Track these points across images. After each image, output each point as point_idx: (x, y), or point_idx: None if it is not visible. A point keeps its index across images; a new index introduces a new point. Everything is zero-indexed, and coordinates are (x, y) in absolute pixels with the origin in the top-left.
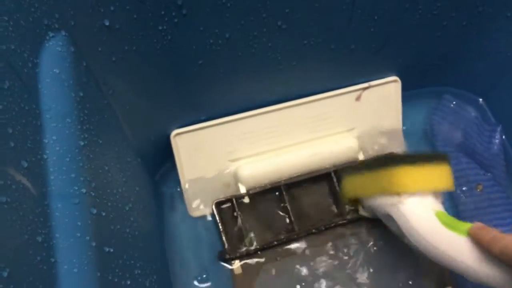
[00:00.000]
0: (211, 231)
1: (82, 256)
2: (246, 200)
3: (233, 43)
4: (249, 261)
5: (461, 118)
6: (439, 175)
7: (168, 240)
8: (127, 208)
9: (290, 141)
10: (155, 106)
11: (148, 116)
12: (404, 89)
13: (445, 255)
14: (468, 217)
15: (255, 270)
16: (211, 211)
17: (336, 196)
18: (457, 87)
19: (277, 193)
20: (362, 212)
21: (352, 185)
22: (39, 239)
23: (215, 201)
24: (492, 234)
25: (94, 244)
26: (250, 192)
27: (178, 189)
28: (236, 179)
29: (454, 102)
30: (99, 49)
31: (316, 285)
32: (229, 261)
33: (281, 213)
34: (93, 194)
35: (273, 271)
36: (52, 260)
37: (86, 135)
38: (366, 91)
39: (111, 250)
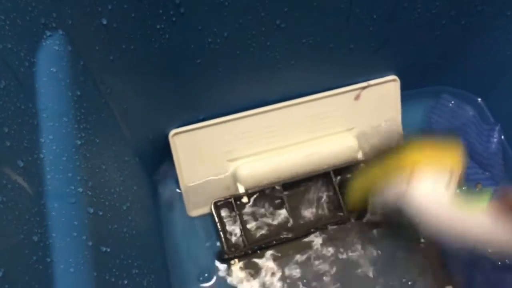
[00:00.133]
0: (210, 231)
1: (78, 256)
2: (245, 199)
3: (232, 42)
4: (248, 260)
5: (460, 117)
6: (451, 155)
7: (166, 239)
8: (125, 208)
9: (289, 141)
10: (153, 105)
11: (146, 115)
12: (403, 88)
13: (465, 232)
14: None
15: (254, 269)
16: (209, 210)
17: (335, 195)
18: (455, 86)
19: (276, 193)
20: (369, 217)
21: (361, 184)
22: (35, 238)
23: (213, 201)
24: None
25: (90, 243)
26: (249, 191)
27: (177, 189)
28: (234, 179)
29: (452, 102)
30: (97, 48)
31: (315, 284)
32: (228, 261)
33: (280, 212)
34: (90, 193)
35: (272, 271)
36: (48, 259)
37: (83, 134)
38: (365, 91)
39: (108, 250)
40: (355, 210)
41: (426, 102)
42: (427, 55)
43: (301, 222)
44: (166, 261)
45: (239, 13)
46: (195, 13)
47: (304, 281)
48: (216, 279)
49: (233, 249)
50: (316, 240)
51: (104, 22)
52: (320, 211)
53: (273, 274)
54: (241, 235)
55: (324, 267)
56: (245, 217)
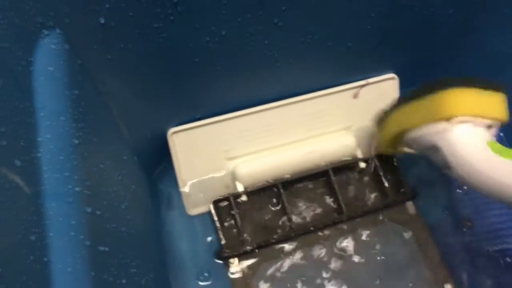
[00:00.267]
0: (209, 230)
1: (76, 255)
2: (244, 198)
3: (230, 41)
4: (247, 259)
5: None
6: (493, 103)
7: (165, 238)
8: (123, 207)
9: (287, 139)
10: (152, 104)
11: (145, 114)
12: (402, 86)
13: (497, 182)
14: (467, 215)
15: (253, 268)
16: (208, 209)
17: (334, 193)
18: None
19: (274, 191)
20: (405, 149)
21: (396, 119)
22: (33, 238)
23: (212, 200)
24: None
25: (88, 243)
26: (248, 190)
27: (175, 188)
28: (233, 177)
29: None
30: (95, 47)
31: (315, 283)
32: (227, 259)
33: (279, 211)
34: (87, 192)
35: (272, 269)
36: (46, 259)
37: (80, 134)
38: (364, 89)
39: (106, 249)
40: (385, 152)
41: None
42: (425, 53)
43: (300, 220)
44: (165, 260)
45: (237, 11)
46: (193, 11)
47: (303, 279)
48: (215, 278)
49: (232, 248)
50: (315, 238)
51: (102, 21)
52: (319, 210)
53: (272, 272)
54: (240, 234)
55: (323, 265)
56: (244, 216)
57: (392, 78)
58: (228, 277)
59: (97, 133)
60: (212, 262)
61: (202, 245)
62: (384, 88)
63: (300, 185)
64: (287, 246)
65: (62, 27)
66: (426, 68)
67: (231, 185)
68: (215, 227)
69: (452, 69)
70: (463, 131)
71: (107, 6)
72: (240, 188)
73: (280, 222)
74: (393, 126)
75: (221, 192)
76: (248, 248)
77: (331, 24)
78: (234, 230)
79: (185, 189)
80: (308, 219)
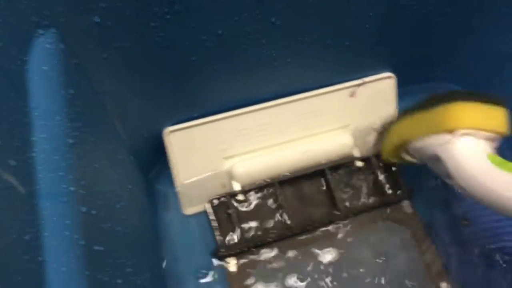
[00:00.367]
0: (206, 229)
1: (70, 255)
2: (241, 197)
3: (227, 40)
4: (244, 258)
5: None
6: (495, 117)
7: (162, 237)
8: (119, 206)
9: (284, 138)
10: (149, 103)
11: (141, 113)
12: (400, 85)
13: (497, 195)
14: (464, 213)
15: (250, 267)
16: (205, 208)
17: (331, 192)
18: (452, 83)
19: (271, 190)
20: (407, 157)
21: (400, 130)
22: (27, 237)
23: (209, 199)
24: None
25: (83, 242)
26: (245, 189)
27: (172, 187)
28: (230, 176)
29: None
30: (90, 46)
31: (312, 281)
32: (224, 258)
33: (276, 210)
34: (82, 192)
35: (269, 268)
36: (40, 259)
37: (76, 133)
38: (361, 88)
39: (101, 249)
40: (387, 161)
41: (422, 99)
42: (423, 52)
43: (297, 219)
44: (161, 259)
45: (234, 10)
46: (189, 10)
47: (301, 277)
48: (212, 277)
49: (229, 247)
50: (312, 237)
51: (97, 20)
52: (315, 208)
53: (269, 271)
54: (237, 233)
55: (320, 264)
56: (241, 215)
57: (389, 77)
58: (225, 276)
59: (93, 132)
60: (209, 261)
61: (199, 244)
62: (381, 87)
63: (297, 184)
64: (284, 245)
65: (57, 26)
66: (423, 67)
67: (228, 184)
68: (212, 226)
69: (450, 68)
70: (465, 143)
71: (102, 5)
72: (236, 187)
73: (277, 221)
74: (396, 136)
75: (217, 191)
76: (245, 247)
77: (329, 23)
78: (231, 229)
79: (181, 188)
80: (305, 217)
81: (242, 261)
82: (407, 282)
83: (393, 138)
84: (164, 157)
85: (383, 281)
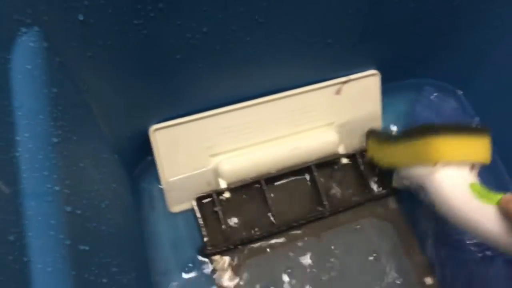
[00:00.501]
0: (192, 227)
1: (56, 255)
2: (227, 195)
3: (211, 38)
4: (230, 256)
5: (442, 110)
6: (477, 147)
7: (148, 236)
8: (104, 206)
9: (270, 136)
10: (133, 101)
11: (126, 111)
12: (385, 81)
13: (475, 225)
14: None
15: (236, 265)
16: (191, 206)
17: (317, 189)
18: (437, 79)
19: (258, 188)
20: (394, 183)
21: (386, 154)
22: (11, 238)
23: (195, 197)
24: None
25: (68, 242)
26: (231, 186)
27: (158, 185)
28: (216, 174)
29: (435, 94)
30: (74, 44)
31: (298, 277)
32: (210, 256)
33: (262, 207)
34: (67, 191)
35: (255, 266)
36: (25, 259)
37: (59, 132)
38: (346, 85)
39: (87, 248)
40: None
41: (408, 95)
42: (407, 49)
43: (283, 217)
44: (147, 258)
45: (218, 8)
46: (173, 8)
47: (289, 271)
48: (198, 274)
49: (215, 245)
50: (298, 234)
51: (81, 18)
52: (302, 205)
53: (255, 269)
54: (223, 230)
55: (306, 261)
56: (227, 212)
57: (374, 74)
58: (211, 273)
59: (77, 131)
60: (195, 259)
61: (185, 242)
62: (366, 84)
63: (283, 181)
64: (271, 242)
65: (40, 24)
66: (407, 64)
67: (214, 181)
68: (198, 224)
69: (432, 65)
70: (447, 175)
71: (85, 3)
72: (223, 184)
73: (263, 218)
74: (384, 160)
75: (204, 189)
76: (232, 244)
77: (310, 22)
78: (217, 227)
79: (167, 186)
80: (291, 214)
81: (228, 258)
82: (392, 277)
83: (383, 161)
84: (149, 155)
85: (367, 275)
